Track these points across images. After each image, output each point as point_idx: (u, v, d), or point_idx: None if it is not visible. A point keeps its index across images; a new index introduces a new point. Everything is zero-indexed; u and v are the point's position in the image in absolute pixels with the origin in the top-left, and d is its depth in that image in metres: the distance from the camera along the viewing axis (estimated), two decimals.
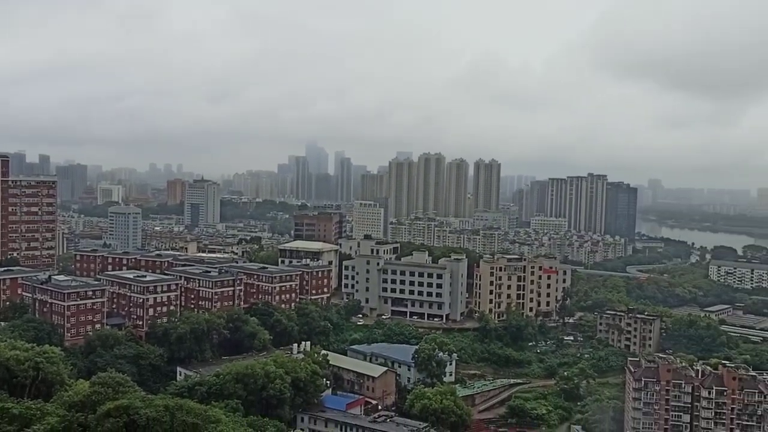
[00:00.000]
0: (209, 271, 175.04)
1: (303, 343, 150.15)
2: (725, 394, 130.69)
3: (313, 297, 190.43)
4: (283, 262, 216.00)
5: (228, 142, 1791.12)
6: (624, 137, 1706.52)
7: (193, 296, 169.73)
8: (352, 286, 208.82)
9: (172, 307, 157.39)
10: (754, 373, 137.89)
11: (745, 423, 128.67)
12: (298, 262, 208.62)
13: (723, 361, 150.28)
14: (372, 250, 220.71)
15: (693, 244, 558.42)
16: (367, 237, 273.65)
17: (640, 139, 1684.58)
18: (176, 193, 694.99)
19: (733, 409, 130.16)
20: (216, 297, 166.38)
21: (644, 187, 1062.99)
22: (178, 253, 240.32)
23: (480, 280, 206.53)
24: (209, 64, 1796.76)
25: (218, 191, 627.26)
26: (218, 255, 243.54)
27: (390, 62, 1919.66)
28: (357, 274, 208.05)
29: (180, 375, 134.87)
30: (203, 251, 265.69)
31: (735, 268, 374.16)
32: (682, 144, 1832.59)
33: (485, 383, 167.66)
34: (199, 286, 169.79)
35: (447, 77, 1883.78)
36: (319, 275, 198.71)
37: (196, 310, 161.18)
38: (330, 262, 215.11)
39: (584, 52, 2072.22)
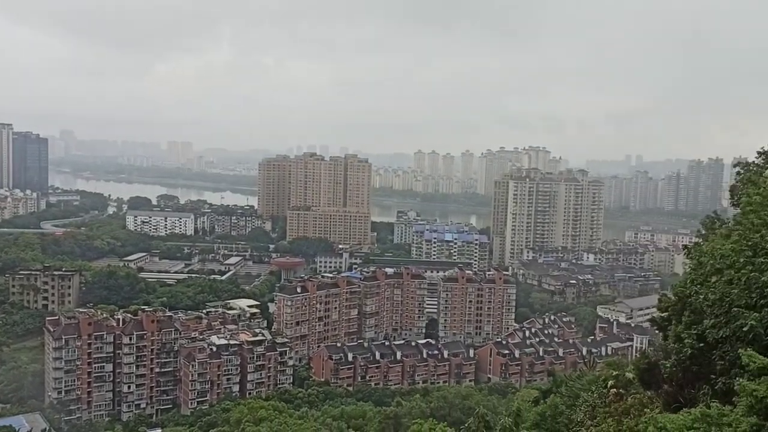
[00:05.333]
0: None
1: None
2: (145, 337, 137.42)
3: None
4: None
5: None
6: (31, 84, 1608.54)
7: None
8: None
9: None
10: (170, 314, 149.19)
11: (163, 360, 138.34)
12: None
13: (142, 307, 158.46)
14: None
15: (110, 195, 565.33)
16: None
17: (50, 87, 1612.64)
18: None
19: (153, 349, 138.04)
20: None
21: (56, 138, 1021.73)
22: None
23: None
24: None
25: None
26: None
27: None
28: None
29: None
30: None
31: (150, 217, 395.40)
32: (98, 95, 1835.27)
33: None
34: None
35: None
36: None
37: None
38: None
39: None
